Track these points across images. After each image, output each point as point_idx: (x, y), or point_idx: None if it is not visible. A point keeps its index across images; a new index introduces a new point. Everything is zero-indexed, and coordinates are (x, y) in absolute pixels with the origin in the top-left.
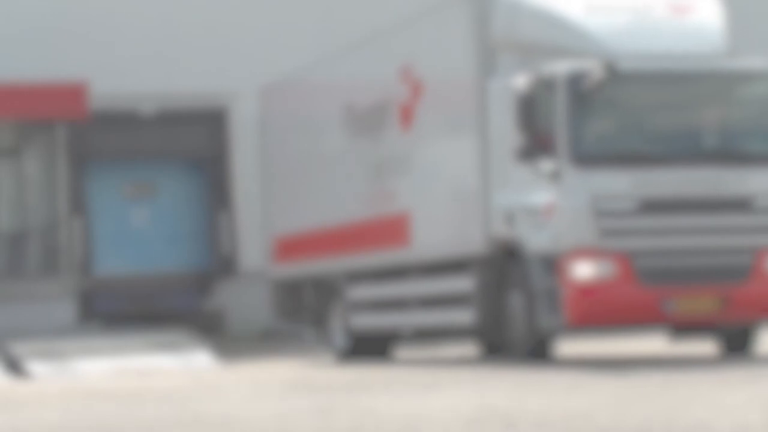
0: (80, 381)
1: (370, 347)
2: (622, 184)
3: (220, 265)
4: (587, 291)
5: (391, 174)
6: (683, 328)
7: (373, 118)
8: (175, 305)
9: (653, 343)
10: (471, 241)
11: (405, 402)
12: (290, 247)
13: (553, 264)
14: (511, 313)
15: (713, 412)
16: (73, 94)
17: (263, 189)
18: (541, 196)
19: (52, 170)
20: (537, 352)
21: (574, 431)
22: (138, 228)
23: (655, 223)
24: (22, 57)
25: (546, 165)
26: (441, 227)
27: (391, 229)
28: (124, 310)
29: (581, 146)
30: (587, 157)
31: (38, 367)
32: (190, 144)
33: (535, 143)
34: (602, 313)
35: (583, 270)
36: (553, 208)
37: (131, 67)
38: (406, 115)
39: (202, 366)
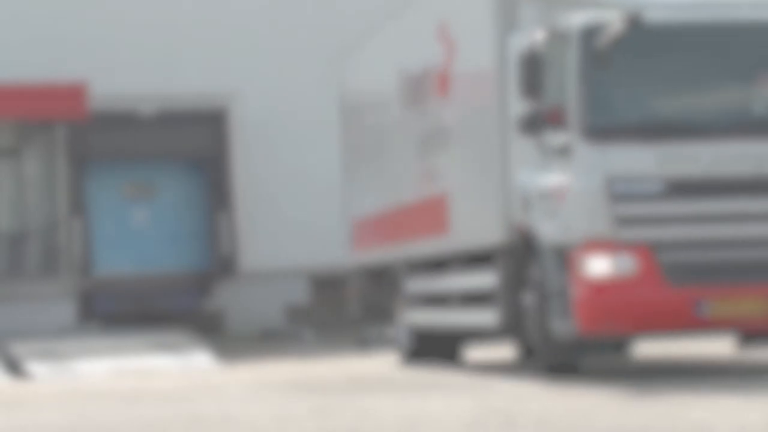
0: (80, 381)
1: (435, 348)
2: (645, 162)
3: (220, 265)
4: (601, 291)
5: (432, 149)
6: (752, 333)
7: (419, 86)
8: (175, 305)
9: (719, 347)
10: (492, 229)
11: (405, 402)
12: (363, 233)
13: (565, 259)
14: (525, 315)
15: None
16: (72, 94)
17: (343, 170)
18: (553, 176)
19: (52, 170)
20: (559, 365)
21: (575, 431)
22: (138, 228)
23: (685, 208)
24: (22, 57)
25: (554, 138)
26: (473, 212)
27: (432, 214)
28: (123, 310)
29: (595, 115)
30: (603, 129)
31: (38, 368)
32: (190, 144)
33: (542, 112)
34: (620, 317)
35: (597, 266)
36: (564, 190)
37: (131, 67)
38: (443, 81)
39: (202, 366)
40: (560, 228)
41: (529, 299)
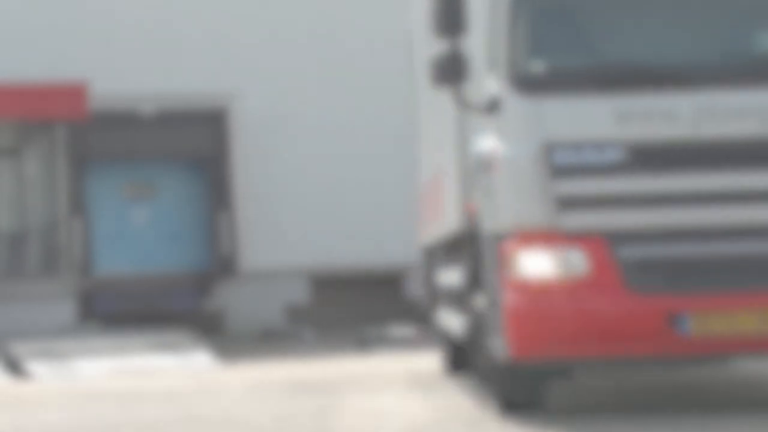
0: (80, 381)
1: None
2: (599, 121)
3: (220, 265)
4: (537, 299)
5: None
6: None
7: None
8: (175, 305)
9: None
10: (453, 213)
11: (404, 402)
12: (421, 207)
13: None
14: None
15: None
16: (73, 94)
17: (415, 142)
18: (486, 141)
19: (52, 170)
20: (510, 398)
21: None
22: (138, 228)
23: (656, 185)
24: (22, 57)
25: (477, 91)
26: (448, 190)
27: (435, 194)
28: (124, 310)
29: (530, 57)
30: (539, 77)
31: (38, 367)
32: (190, 144)
33: (463, 54)
34: (564, 336)
35: (531, 265)
36: (493, 161)
37: (131, 67)
38: None
39: (202, 366)
40: (492, 212)
41: (477, 307)
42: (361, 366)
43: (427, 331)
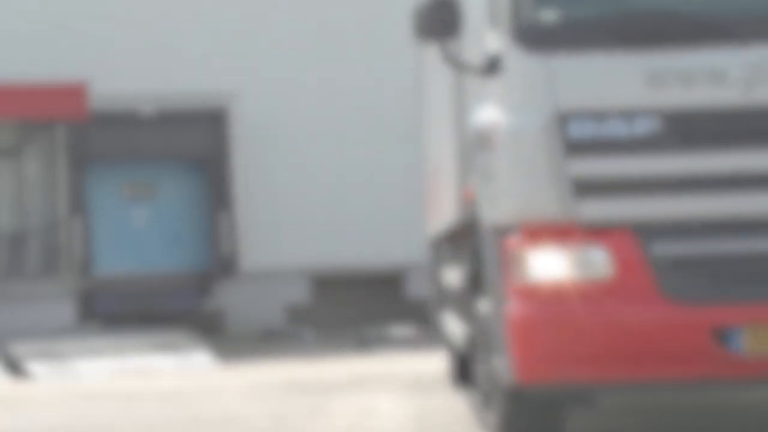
0: (80, 381)
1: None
2: (623, 85)
3: (220, 265)
4: (546, 311)
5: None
6: None
7: None
8: (175, 305)
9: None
10: (450, 203)
11: (404, 402)
12: (428, 196)
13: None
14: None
15: None
16: (73, 94)
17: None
18: (484, 112)
19: (52, 170)
20: (520, 427)
21: None
22: (138, 228)
23: (694, 164)
24: (23, 57)
25: (474, 48)
26: (446, 175)
27: (437, 181)
28: (123, 310)
29: (537, 8)
30: (551, 29)
31: (38, 368)
32: (190, 144)
33: (451, 4)
34: (581, 358)
35: (541, 267)
36: (492, 136)
37: (131, 67)
38: None
39: (202, 366)
40: (492, 199)
41: (479, 315)
42: (361, 366)
43: (428, 331)
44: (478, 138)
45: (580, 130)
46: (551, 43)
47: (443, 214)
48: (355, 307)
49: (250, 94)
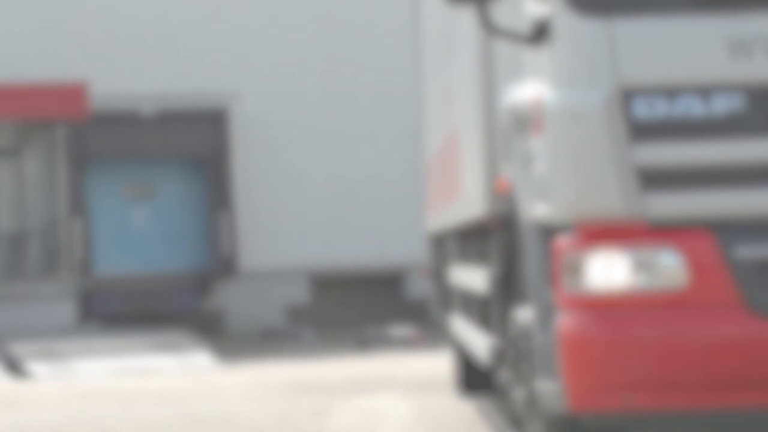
0: (80, 381)
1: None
2: (700, 55)
3: (220, 265)
4: (607, 326)
5: (450, 56)
6: None
7: None
8: (175, 305)
9: None
10: (476, 191)
11: (407, 404)
12: (430, 187)
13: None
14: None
15: None
16: (73, 94)
17: (421, 116)
18: (526, 88)
19: (52, 170)
20: None
21: None
22: (138, 228)
23: None
24: (22, 57)
25: (515, 13)
26: (469, 158)
27: (449, 158)
28: (124, 310)
29: None
30: None
31: (38, 367)
32: (190, 144)
33: None
34: (649, 383)
35: (599, 273)
36: (539, 116)
37: (131, 67)
38: None
39: (202, 366)
40: (537, 192)
41: (514, 327)
42: (361, 366)
43: (427, 331)
44: (517, 120)
45: (647, 110)
46: (612, 6)
47: (460, 206)
48: (355, 307)
49: (250, 94)
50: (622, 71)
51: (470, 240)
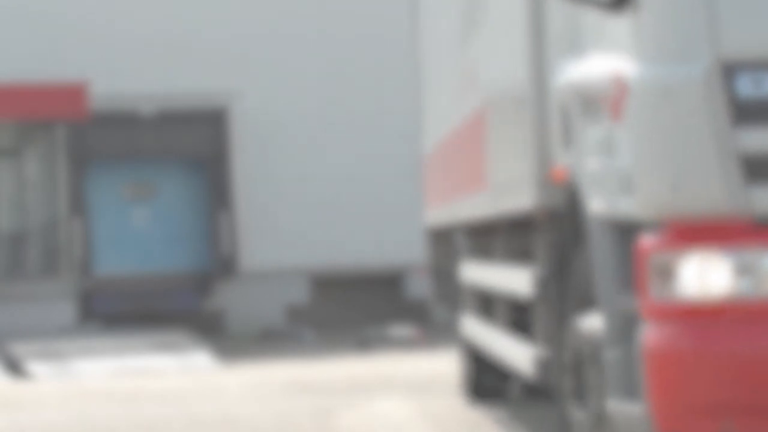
0: (80, 381)
1: (495, 378)
2: None
3: (220, 265)
4: (706, 339)
5: (470, 29)
6: None
7: None
8: (175, 305)
9: None
10: (522, 179)
11: (404, 403)
12: (430, 181)
13: (631, 254)
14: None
15: None
16: (73, 94)
17: (419, 101)
18: (596, 61)
19: (52, 170)
20: None
21: None
22: (138, 228)
23: None
24: (22, 57)
25: None
26: (507, 141)
27: (470, 144)
28: (124, 310)
29: None
30: None
31: (38, 368)
32: (190, 144)
33: None
34: (752, 410)
35: (696, 279)
36: (617, 92)
37: (131, 67)
38: None
39: (202, 366)
40: (615, 183)
41: (578, 336)
42: (362, 366)
43: (428, 331)
44: (583, 100)
45: (752, 87)
46: None
47: (480, 199)
48: (355, 307)
49: (251, 94)
50: (723, 42)
51: (495, 236)
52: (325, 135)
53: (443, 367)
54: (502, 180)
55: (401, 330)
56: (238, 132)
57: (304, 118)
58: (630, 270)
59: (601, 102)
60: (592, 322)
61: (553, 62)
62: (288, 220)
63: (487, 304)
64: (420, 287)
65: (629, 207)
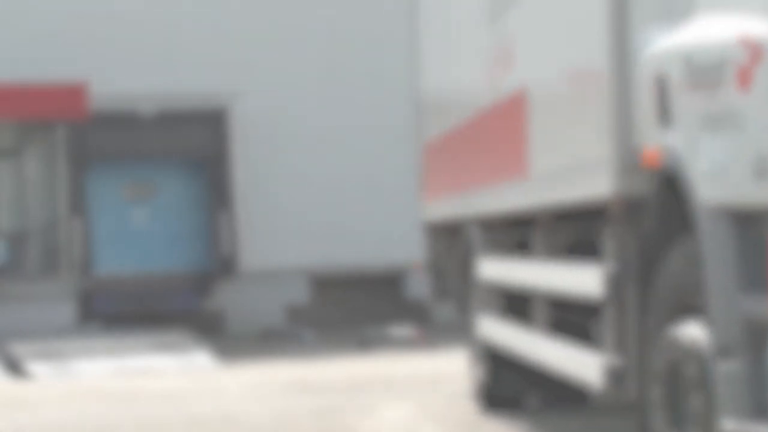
0: (80, 381)
1: (514, 385)
2: None
3: (220, 265)
4: None
5: (505, 10)
6: None
7: None
8: (175, 305)
9: None
10: (593, 167)
11: (404, 403)
12: (433, 171)
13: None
14: (653, 384)
15: None
16: (73, 94)
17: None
18: (715, 27)
19: (52, 170)
20: None
21: None
22: (138, 228)
23: None
24: (22, 57)
25: None
26: (561, 125)
27: (505, 131)
28: (124, 310)
29: None
30: None
31: (38, 368)
32: (190, 144)
33: None
34: None
35: None
36: (748, 63)
37: (131, 67)
38: None
39: (202, 366)
40: (738, 165)
41: (682, 344)
42: (362, 366)
43: (428, 331)
44: (697, 68)
45: None
46: None
47: (520, 189)
48: (355, 307)
49: (250, 94)
50: None
51: (533, 230)
52: (325, 135)
53: (444, 367)
54: (554, 168)
55: (401, 330)
56: (238, 132)
57: (304, 118)
58: (754, 269)
59: (723, 70)
60: (694, 330)
61: (638, 29)
62: (288, 220)
63: (517, 304)
64: (420, 287)
65: (759, 194)
